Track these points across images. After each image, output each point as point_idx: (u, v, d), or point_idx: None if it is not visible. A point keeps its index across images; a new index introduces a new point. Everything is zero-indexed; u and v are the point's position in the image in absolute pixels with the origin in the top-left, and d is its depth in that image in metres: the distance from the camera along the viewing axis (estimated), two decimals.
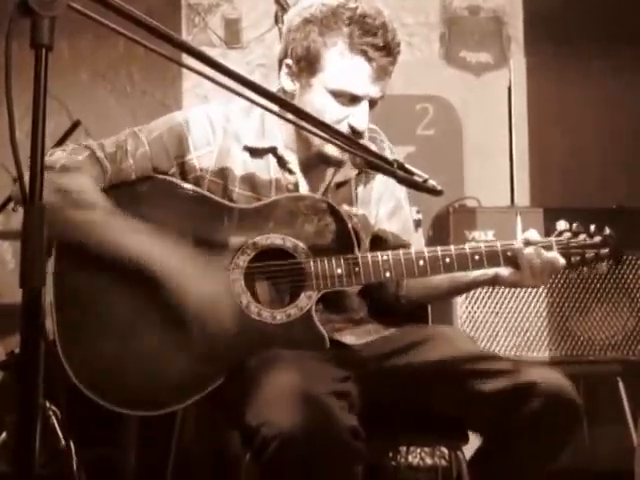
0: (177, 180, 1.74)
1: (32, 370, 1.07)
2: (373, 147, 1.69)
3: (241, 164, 1.79)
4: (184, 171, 1.75)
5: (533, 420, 1.59)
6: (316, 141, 1.74)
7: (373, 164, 1.61)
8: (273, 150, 1.81)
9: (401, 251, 1.74)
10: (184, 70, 4.03)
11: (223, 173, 1.77)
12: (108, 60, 4.18)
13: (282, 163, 1.81)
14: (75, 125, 2.78)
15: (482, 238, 3.42)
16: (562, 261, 1.73)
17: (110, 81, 4.20)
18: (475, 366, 1.68)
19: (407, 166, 1.60)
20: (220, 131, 1.78)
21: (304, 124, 1.52)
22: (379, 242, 1.96)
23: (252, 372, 1.58)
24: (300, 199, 1.77)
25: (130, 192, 1.70)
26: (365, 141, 1.72)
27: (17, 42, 1.02)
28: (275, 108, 1.44)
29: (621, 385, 3.41)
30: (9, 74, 1.02)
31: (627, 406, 3.38)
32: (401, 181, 1.62)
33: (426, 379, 1.69)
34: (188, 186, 1.73)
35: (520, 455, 1.66)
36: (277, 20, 2.96)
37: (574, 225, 1.78)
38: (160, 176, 1.73)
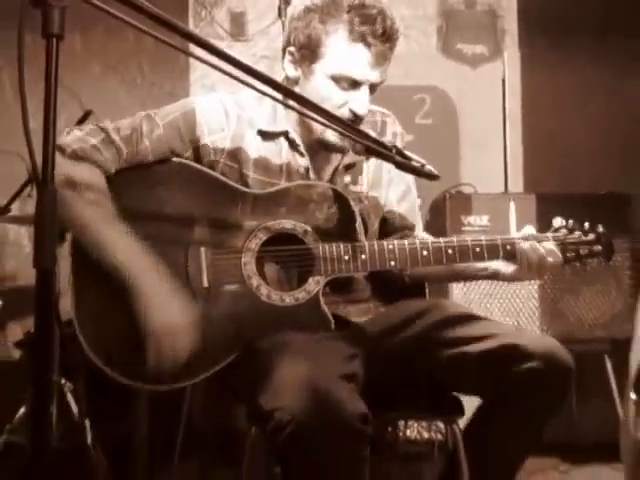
0: (194, 164, 1.74)
1: (45, 347, 1.08)
2: (372, 133, 1.68)
3: (255, 148, 1.79)
4: (199, 155, 1.75)
5: (528, 380, 1.59)
6: (317, 127, 1.75)
7: (372, 150, 1.61)
8: (285, 134, 1.81)
9: (406, 241, 1.74)
10: (192, 62, 4.04)
11: (237, 157, 1.77)
12: (119, 53, 4.18)
13: (294, 145, 1.81)
14: (87, 115, 2.80)
15: (477, 223, 3.44)
16: (560, 258, 1.74)
17: (120, 73, 4.20)
18: (472, 329, 1.69)
19: (405, 152, 1.61)
20: (234, 117, 1.78)
21: (305, 111, 1.53)
22: (386, 222, 1.98)
23: (264, 356, 1.58)
24: (311, 187, 1.76)
25: (148, 174, 1.70)
26: (365, 127, 1.71)
27: (31, 36, 1.03)
28: (279, 96, 1.46)
29: (608, 362, 3.45)
30: (21, 63, 1.02)
31: (613, 382, 3.41)
32: (399, 166, 1.62)
33: (425, 347, 1.71)
34: (205, 170, 1.74)
35: (515, 416, 1.66)
36: (280, 13, 2.96)
37: (570, 222, 1.79)
38: (177, 159, 1.73)
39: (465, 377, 1.70)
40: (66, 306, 3.04)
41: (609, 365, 3.45)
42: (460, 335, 1.69)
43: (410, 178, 2.01)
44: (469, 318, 1.74)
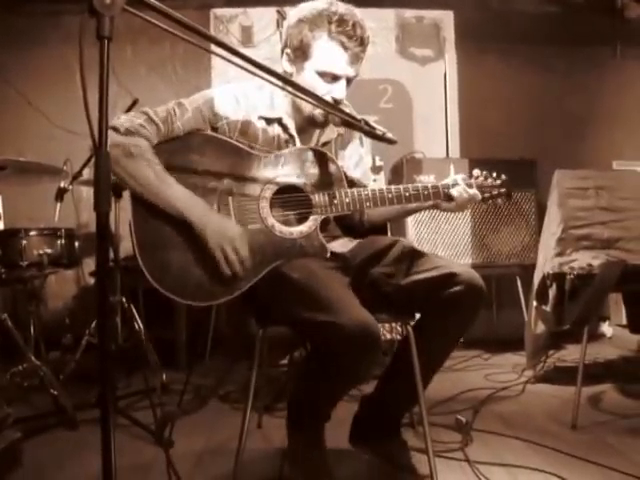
0: (219, 135, 1.71)
1: (104, 272, 1.06)
2: (347, 110, 1.67)
3: (258, 128, 1.76)
4: (216, 132, 1.72)
5: (456, 298, 1.61)
6: (306, 107, 1.73)
7: (347, 122, 1.61)
8: (279, 120, 1.78)
9: (377, 188, 1.74)
10: (212, 64, 4.01)
11: (246, 135, 1.74)
12: (158, 57, 4.11)
13: (285, 128, 1.78)
14: (134, 103, 2.76)
15: (426, 180, 3.46)
16: (479, 197, 1.77)
17: (160, 73, 4.13)
18: (422, 262, 1.70)
19: (371, 123, 1.60)
20: (243, 103, 1.75)
21: (299, 94, 1.52)
22: (351, 184, 1.92)
23: (290, 280, 1.58)
24: (308, 150, 1.74)
25: (185, 144, 1.67)
26: (342, 106, 1.69)
27: (88, 52, 1.01)
28: (279, 83, 1.44)
29: (518, 281, 3.53)
30: (82, 61, 1.02)
31: (522, 295, 3.50)
32: (366, 133, 1.61)
33: (389, 275, 1.72)
34: (227, 139, 1.71)
35: (445, 324, 1.68)
36: (278, 25, 2.91)
37: (484, 172, 1.80)
38: (206, 132, 1.70)
39: (414, 298, 1.70)
40: (127, 247, 3.08)
41: (519, 283, 3.52)
42: (414, 268, 1.69)
43: (362, 151, 2.00)
44: (421, 254, 1.74)
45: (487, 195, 1.80)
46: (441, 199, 1.75)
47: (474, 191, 1.76)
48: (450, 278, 1.62)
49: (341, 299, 1.49)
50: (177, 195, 1.58)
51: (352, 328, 1.40)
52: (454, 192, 1.74)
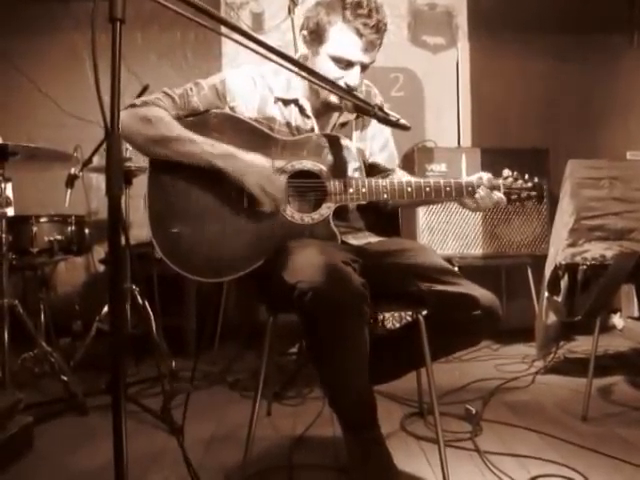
0: (239, 115, 1.70)
1: (115, 253, 1.05)
2: (361, 96, 1.65)
3: (276, 110, 1.75)
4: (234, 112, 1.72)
5: (472, 322, 1.58)
6: (322, 92, 1.71)
7: (360, 107, 1.58)
8: (296, 101, 1.76)
9: (395, 179, 1.71)
10: (223, 51, 4.00)
11: (265, 115, 1.73)
12: (169, 44, 4.09)
13: (302, 110, 1.76)
14: (145, 89, 2.76)
15: (437, 169, 3.41)
16: (505, 202, 1.72)
17: (170, 59, 4.11)
18: (441, 274, 1.66)
19: (384, 109, 1.57)
20: (260, 84, 1.74)
21: (315, 80, 1.50)
22: (374, 168, 1.94)
23: (286, 250, 1.56)
24: (325, 136, 1.72)
25: (203, 122, 1.66)
26: (356, 93, 1.66)
27: (98, 38, 1.00)
28: (292, 68, 1.40)
29: (529, 272, 3.49)
30: (94, 45, 1.00)
31: (532, 285, 3.46)
32: (379, 119, 1.57)
33: (405, 274, 1.67)
34: (247, 120, 1.70)
35: (452, 341, 1.69)
36: (289, 12, 2.89)
37: (515, 173, 1.75)
38: (225, 111, 1.70)
39: (425, 303, 1.65)
40: (137, 234, 3.09)
41: (530, 273, 3.49)
42: (434, 275, 1.65)
43: (388, 134, 1.96)
44: (443, 264, 1.70)
45: (515, 197, 1.74)
46: (463, 197, 1.71)
47: (499, 195, 1.71)
48: (470, 300, 1.58)
49: (309, 262, 1.46)
50: (203, 147, 1.59)
51: (306, 291, 1.39)
52: (478, 193, 1.70)
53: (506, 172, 1.76)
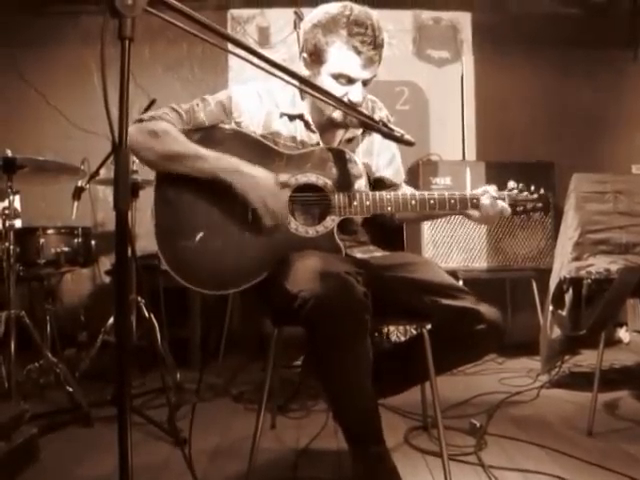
0: (243, 130, 1.72)
1: (122, 270, 1.06)
2: (365, 111, 1.66)
3: (281, 125, 1.76)
4: (240, 127, 1.73)
5: (477, 336, 1.60)
6: (326, 108, 1.72)
7: (365, 123, 1.59)
8: (301, 116, 1.78)
9: (400, 192, 1.71)
10: (229, 64, 4.02)
11: (270, 131, 1.74)
12: (176, 58, 4.14)
13: (307, 125, 1.78)
14: (152, 103, 2.79)
15: (442, 182, 3.43)
16: (509, 212, 1.73)
17: (177, 73, 4.16)
18: (445, 287, 1.67)
19: (389, 125, 1.58)
20: (266, 100, 1.75)
21: (317, 95, 1.51)
22: (379, 183, 1.95)
23: (288, 260, 1.57)
24: (330, 150, 1.74)
25: (209, 137, 1.68)
26: (361, 108, 1.68)
27: (106, 52, 1.01)
28: (297, 83, 1.43)
29: (534, 285, 3.48)
30: (103, 60, 1.01)
31: (537, 299, 3.45)
32: (384, 135, 1.59)
33: (410, 287, 1.68)
34: (252, 134, 1.71)
35: (455, 356, 1.70)
36: (295, 26, 2.91)
37: (520, 185, 1.76)
38: (231, 127, 1.71)
39: (430, 317, 1.67)
40: (143, 246, 3.10)
41: (535, 287, 3.48)
42: (439, 289, 1.66)
43: (394, 149, 1.98)
44: (449, 280, 1.70)
45: (521, 209, 1.76)
46: (467, 209, 1.72)
47: (503, 204, 1.72)
48: (475, 315, 1.60)
49: (311, 271, 1.46)
50: (209, 160, 1.60)
51: (308, 299, 1.40)
52: (482, 204, 1.71)
53: (511, 184, 1.77)
